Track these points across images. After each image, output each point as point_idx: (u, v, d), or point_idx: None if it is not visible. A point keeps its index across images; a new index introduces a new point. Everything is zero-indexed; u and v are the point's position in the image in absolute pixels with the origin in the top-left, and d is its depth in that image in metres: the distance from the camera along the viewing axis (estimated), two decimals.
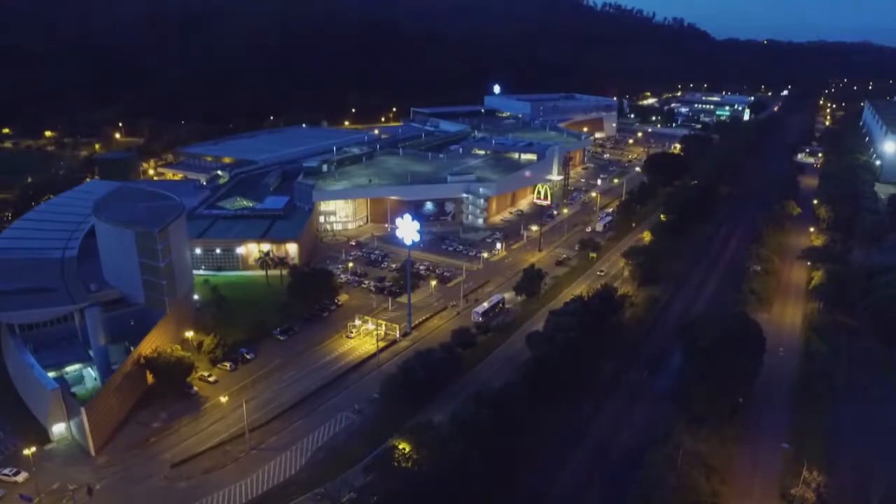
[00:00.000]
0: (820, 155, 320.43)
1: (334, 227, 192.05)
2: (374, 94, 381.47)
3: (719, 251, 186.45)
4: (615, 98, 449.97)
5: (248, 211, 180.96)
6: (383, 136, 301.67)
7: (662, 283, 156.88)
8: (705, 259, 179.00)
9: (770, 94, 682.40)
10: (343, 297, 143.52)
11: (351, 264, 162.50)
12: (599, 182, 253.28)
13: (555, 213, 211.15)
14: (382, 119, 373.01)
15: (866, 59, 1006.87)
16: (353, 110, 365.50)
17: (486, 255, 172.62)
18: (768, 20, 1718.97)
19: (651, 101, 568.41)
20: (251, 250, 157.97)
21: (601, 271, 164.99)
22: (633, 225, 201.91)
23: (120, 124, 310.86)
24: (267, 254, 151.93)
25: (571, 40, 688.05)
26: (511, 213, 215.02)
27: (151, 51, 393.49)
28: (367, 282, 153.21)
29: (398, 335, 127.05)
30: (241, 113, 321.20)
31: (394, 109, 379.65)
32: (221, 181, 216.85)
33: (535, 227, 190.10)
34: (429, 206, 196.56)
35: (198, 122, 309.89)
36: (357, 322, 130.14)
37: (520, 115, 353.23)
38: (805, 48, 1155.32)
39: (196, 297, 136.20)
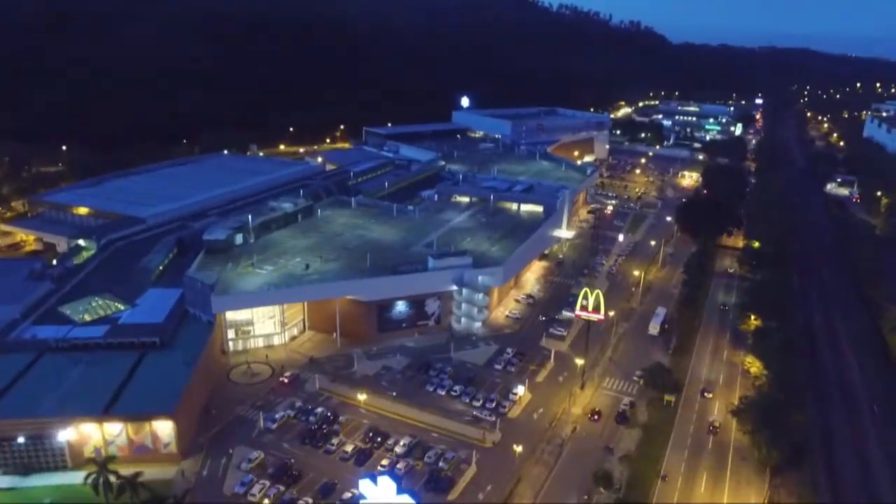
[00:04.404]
0: (856, 186, 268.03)
1: (251, 344, 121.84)
2: (316, 110, 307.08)
3: (839, 373, 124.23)
4: (592, 110, 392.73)
5: (103, 335, 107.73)
6: (329, 168, 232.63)
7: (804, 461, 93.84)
8: (832, 394, 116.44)
9: (743, 102, 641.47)
10: None
11: (259, 460, 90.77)
12: (621, 238, 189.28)
13: None
14: (328, 140, 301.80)
15: (813, 65, 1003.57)
16: (291, 129, 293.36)
17: (504, 414, 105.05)
18: (718, 24, 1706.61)
19: (626, 111, 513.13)
20: (87, 435, 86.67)
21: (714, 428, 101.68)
22: (696, 323, 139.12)
23: None
24: (104, 464, 78.84)
25: (528, 43, 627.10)
26: (517, 300, 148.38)
27: (29, 53, 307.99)
28: (301, 502, 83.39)
29: None
30: (145, 135, 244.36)
31: (341, 127, 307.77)
32: (85, 255, 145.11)
33: (567, 344, 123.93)
34: (401, 306, 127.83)
35: (85, 147, 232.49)
36: None
37: (497, 136, 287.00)
38: (757, 53, 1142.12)
39: None
